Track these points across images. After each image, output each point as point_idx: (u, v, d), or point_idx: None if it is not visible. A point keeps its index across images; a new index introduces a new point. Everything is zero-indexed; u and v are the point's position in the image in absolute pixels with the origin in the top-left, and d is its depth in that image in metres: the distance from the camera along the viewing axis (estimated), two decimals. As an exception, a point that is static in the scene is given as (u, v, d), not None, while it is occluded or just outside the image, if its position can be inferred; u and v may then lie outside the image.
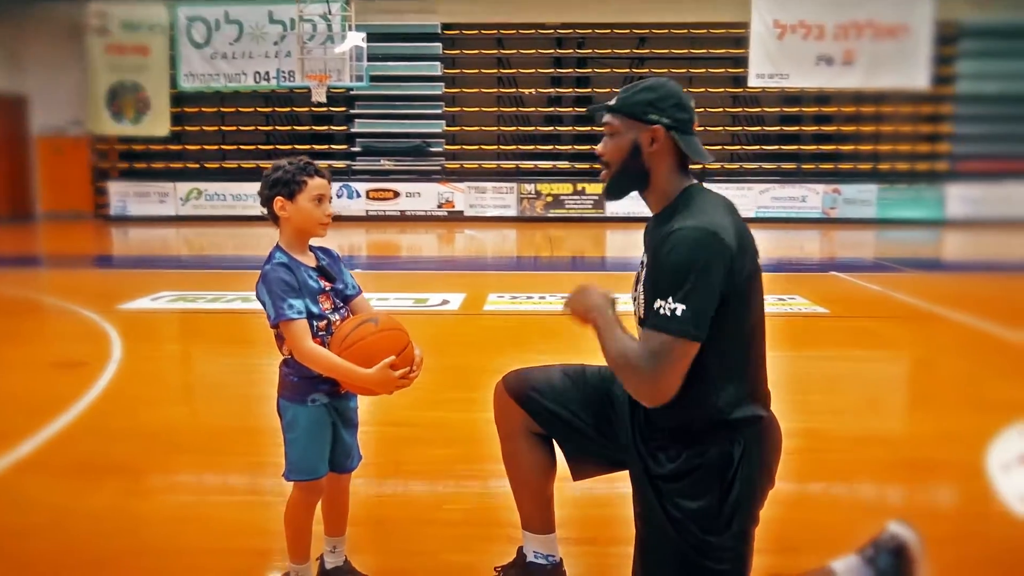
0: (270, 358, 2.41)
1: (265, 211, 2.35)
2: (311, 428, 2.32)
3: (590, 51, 19.51)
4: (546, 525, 2.41)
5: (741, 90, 19.01)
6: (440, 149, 19.41)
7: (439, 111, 19.34)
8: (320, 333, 2.29)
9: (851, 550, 2.35)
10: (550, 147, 19.51)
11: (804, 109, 19.51)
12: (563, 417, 2.30)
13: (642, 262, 2.16)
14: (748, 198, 18.59)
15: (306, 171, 2.30)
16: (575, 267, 12.38)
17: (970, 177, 18.82)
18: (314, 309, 2.29)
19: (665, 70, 19.02)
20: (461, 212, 18.74)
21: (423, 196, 18.74)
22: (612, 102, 2.11)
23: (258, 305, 2.29)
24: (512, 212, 18.72)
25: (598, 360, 2.13)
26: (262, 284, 2.26)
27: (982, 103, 18.95)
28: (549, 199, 18.89)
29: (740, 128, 19.54)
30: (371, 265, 11.68)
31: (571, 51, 19.79)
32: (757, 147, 19.38)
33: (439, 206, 18.76)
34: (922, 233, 16.99)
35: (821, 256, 13.96)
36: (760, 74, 18.63)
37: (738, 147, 19.43)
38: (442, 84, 19.31)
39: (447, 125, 19.39)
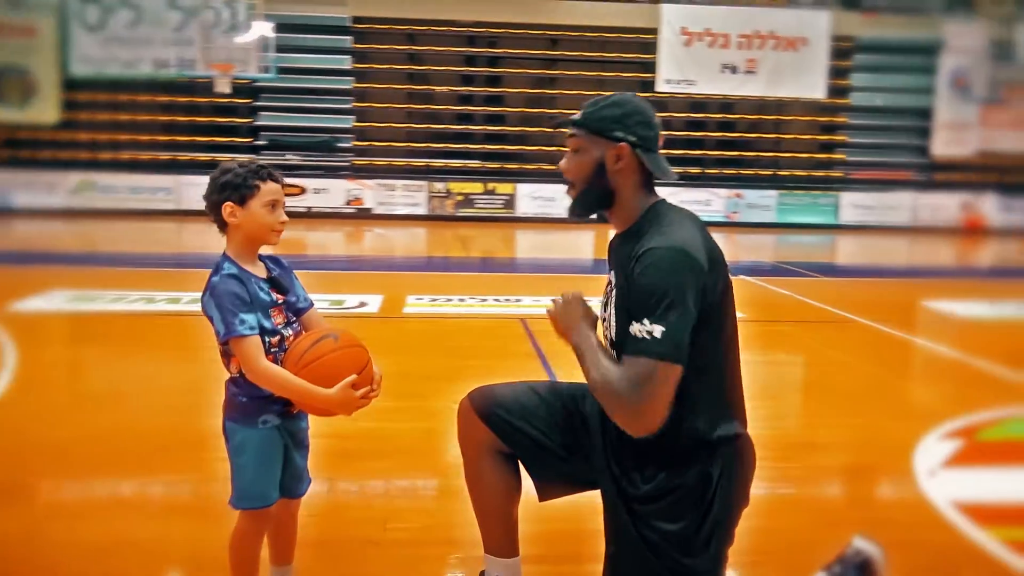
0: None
1: (212, 217, 2.16)
2: (262, 452, 2.14)
3: (502, 50, 19.51)
4: (511, 549, 2.31)
5: (650, 95, 19.34)
6: (349, 145, 19.03)
7: (348, 106, 18.95)
8: (272, 350, 2.12)
9: (809, 558, 2.35)
10: (461, 146, 19.40)
11: (709, 115, 20.04)
12: (531, 436, 2.21)
13: (610, 281, 2.09)
14: (655, 201, 18.97)
15: (258, 175, 2.13)
16: (487, 268, 12.30)
17: (861, 185, 19.75)
18: (266, 324, 2.12)
19: (576, 72, 19.22)
20: (370, 210, 18.41)
21: (331, 193, 18.33)
22: (576, 116, 2.04)
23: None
24: (422, 211, 18.52)
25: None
26: (210, 297, 2.08)
27: (873, 115, 19.93)
28: (460, 198, 18.78)
29: (648, 132, 19.88)
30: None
31: (483, 50, 19.75)
32: (664, 151, 19.73)
33: (347, 203, 18.39)
34: (819, 238, 17.71)
35: (728, 260, 14.33)
36: (668, 79, 19.06)
37: (646, 150, 19.76)
38: (351, 78, 18.93)
39: (356, 120, 19.02)
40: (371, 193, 18.47)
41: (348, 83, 18.87)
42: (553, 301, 2.11)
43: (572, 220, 2.21)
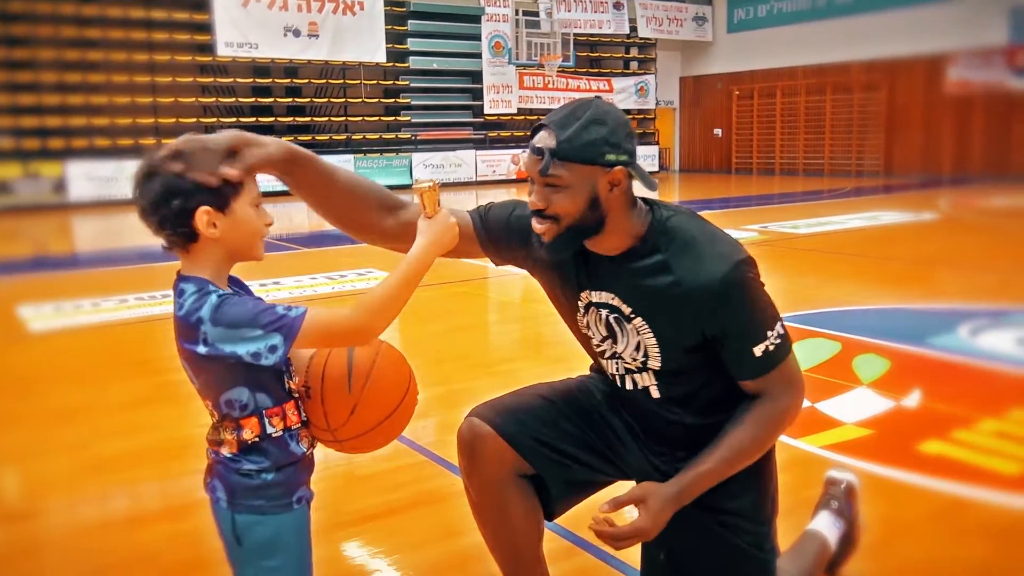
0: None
1: (167, 232, 1.45)
2: (301, 540, 1.55)
3: (23, 5, 16.39)
4: (545, 586, 2.03)
5: (210, 59, 18.02)
6: None
7: None
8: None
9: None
10: (-15, 121, 16.03)
11: (276, 80, 19.36)
12: (559, 449, 1.91)
13: (603, 304, 1.83)
14: (233, 173, 17.89)
15: (239, 163, 1.50)
16: (108, 261, 10.49)
17: (429, 144, 20.92)
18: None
19: (122, 33, 17.06)
20: None
21: None
22: (551, 145, 1.64)
23: None
24: (-56, 203, 15.04)
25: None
26: (214, 326, 1.39)
27: (432, 78, 21.11)
28: (-8, 185, 15.65)
29: (213, 99, 18.55)
30: None
31: (-4, 5, 16.42)
32: (233, 119, 18.62)
33: None
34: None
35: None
36: (229, 43, 17.91)
37: (213, 120, 18.42)
38: None
39: None
40: None
41: None
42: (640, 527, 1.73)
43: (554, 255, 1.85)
